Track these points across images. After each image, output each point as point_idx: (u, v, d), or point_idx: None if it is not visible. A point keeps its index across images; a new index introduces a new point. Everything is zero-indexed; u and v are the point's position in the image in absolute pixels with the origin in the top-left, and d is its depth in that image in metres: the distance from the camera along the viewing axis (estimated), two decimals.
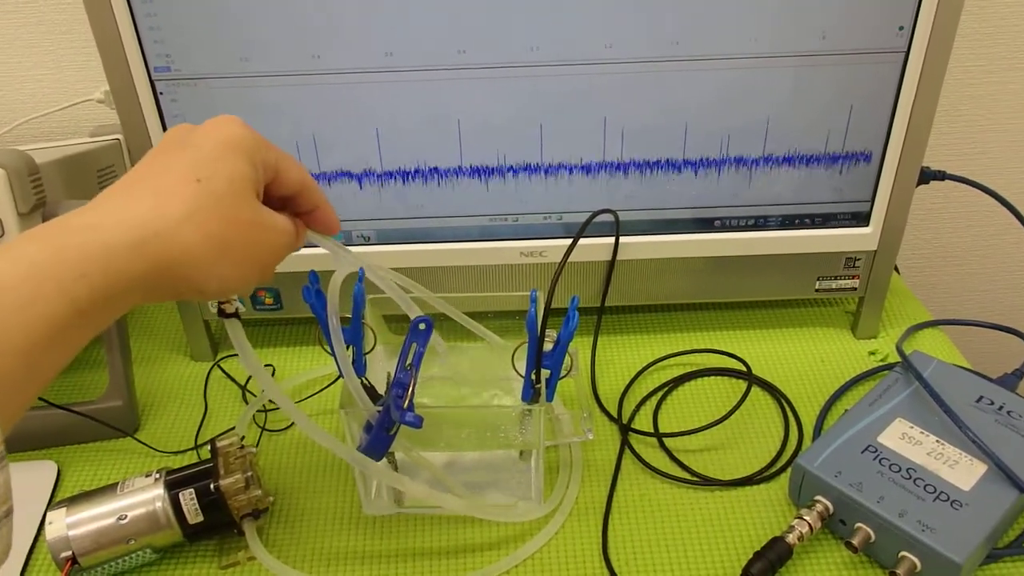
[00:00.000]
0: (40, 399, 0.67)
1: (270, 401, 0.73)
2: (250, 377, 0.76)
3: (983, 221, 1.12)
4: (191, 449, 0.69)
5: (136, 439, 0.70)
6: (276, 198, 0.46)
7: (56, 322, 0.35)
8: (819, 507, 0.58)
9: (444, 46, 0.63)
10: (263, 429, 0.71)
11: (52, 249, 0.36)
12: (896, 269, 0.85)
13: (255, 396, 0.74)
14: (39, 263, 0.35)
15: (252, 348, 0.48)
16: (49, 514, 0.57)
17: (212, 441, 0.61)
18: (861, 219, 0.73)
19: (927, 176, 0.73)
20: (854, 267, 0.75)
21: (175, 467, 0.60)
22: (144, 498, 0.57)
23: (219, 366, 0.78)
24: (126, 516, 0.57)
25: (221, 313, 0.49)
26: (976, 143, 1.04)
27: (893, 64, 0.65)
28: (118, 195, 0.40)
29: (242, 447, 0.61)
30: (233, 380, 0.76)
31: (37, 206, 0.62)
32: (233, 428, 0.70)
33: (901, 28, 0.64)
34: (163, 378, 0.77)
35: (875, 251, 0.74)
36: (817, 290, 0.77)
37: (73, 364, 0.77)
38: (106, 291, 0.37)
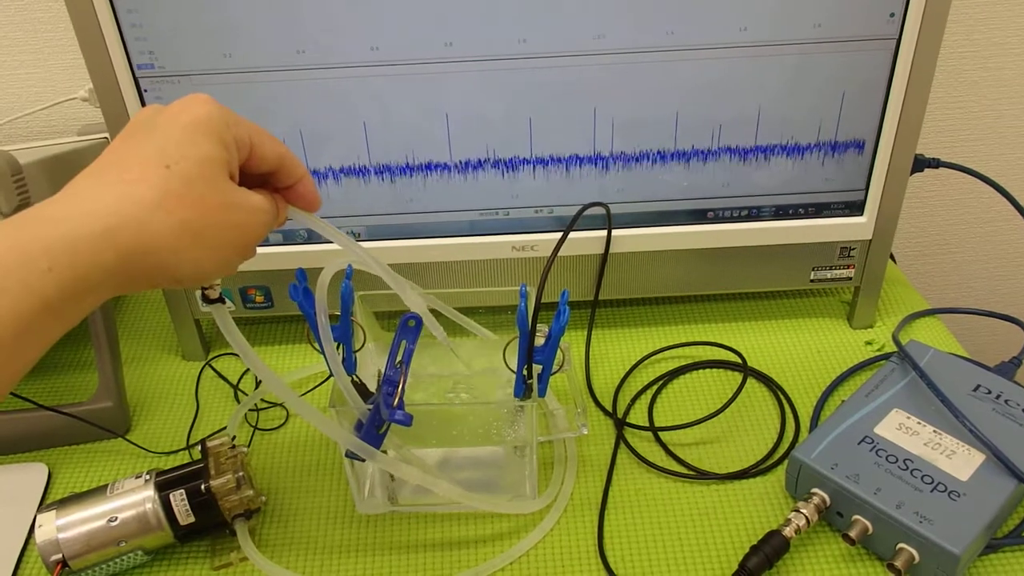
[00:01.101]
0: (30, 400, 0.67)
1: (262, 400, 0.73)
2: (242, 376, 0.76)
3: (979, 208, 1.11)
4: (183, 449, 0.69)
5: (127, 440, 0.70)
6: (254, 175, 0.45)
7: (23, 317, 0.35)
8: (816, 499, 0.57)
9: (431, 39, 0.62)
10: (255, 428, 0.70)
11: (15, 242, 0.35)
12: (892, 258, 0.84)
13: (247, 395, 0.73)
14: (0, 257, 0.35)
15: (240, 331, 0.47)
16: (39, 516, 0.56)
17: (202, 441, 0.61)
18: (855, 208, 0.72)
19: (921, 164, 0.72)
20: (849, 257, 0.75)
21: (166, 468, 0.59)
22: (134, 499, 0.57)
23: (210, 365, 0.77)
24: (116, 518, 0.56)
25: (205, 299, 0.48)
26: (972, 130, 1.04)
27: (885, 51, 0.64)
28: (85, 183, 0.39)
29: (233, 447, 0.60)
30: (225, 380, 0.76)
31: (21, 206, 0.61)
32: (224, 428, 0.69)
33: (892, 15, 0.63)
34: (154, 378, 0.77)
35: (870, 240, 0.73)
36: (812, 280, 0.76)
37: (63, 365, 0.77)
38: (75, 284, 0.36)
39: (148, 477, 0.58)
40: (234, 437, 0.63)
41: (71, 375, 0.77)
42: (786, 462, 0.62)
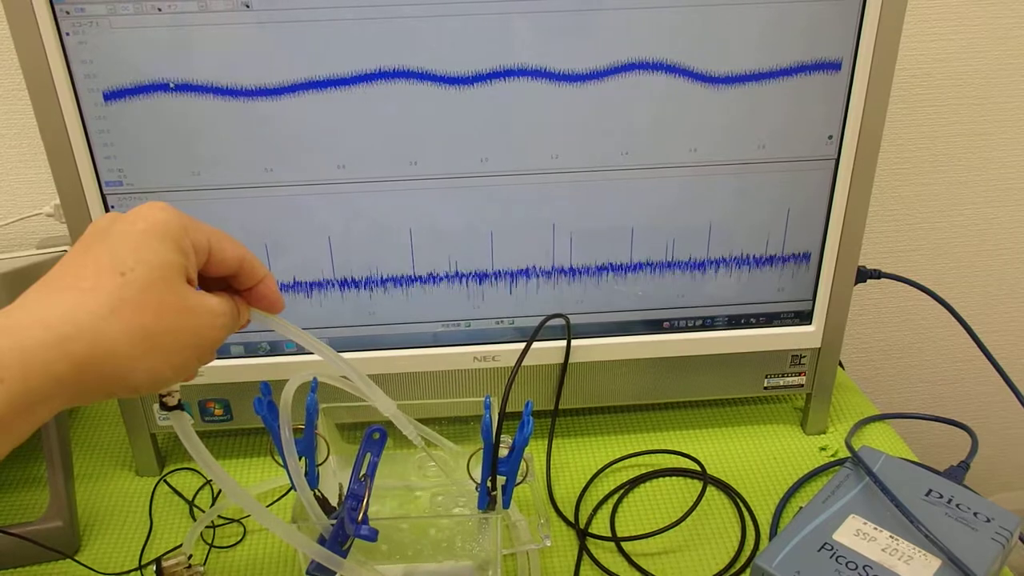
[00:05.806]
0: None
1: (219, 516, 0.71)
2: (198, 491, 0.74)
3: (920, 315, 1.16)
4: (135, 570, 0.66)
5: (76, 561, 0.67)
6: (215, 278, 0.44)
7: None
8: None
9: (396, 158, 0.65)
10: (211, 546, 0.68)
11: None
12: (841, 365, 0.87)
13: (203, 511, 0.72)
14: None
15: (200, 440, 0.47)
16: None
17: (157, 560, 0.59)
18: (804, 317, 0.75)
19: (864, 275, 0.75)
20: (800, 364, 0.77)
21: None
22: None
23: (165, 481, 0.75)
24: None
25: (163, 407, 0.47)
26: (910, 241, 1.09)
27: (825, 171, 0.69)
28: (39, 293, 0.38)
29: (189, 566, 0.59)
30: (180, 495, 0.74)
31: None
32: (180, 546, 0.67)
33: (830, 137, 0.67)
34: (106, 494, 0.74)
35: (819, 348, 0.76)
36: (766, 388, 0.78)
37: (9, 482, 0.74)
38: (26, 396, 0.35)
39: None
40: (190, 556, 0.61)
41: (17, 493, 0.74)
42: (749, 570, 0.62)
